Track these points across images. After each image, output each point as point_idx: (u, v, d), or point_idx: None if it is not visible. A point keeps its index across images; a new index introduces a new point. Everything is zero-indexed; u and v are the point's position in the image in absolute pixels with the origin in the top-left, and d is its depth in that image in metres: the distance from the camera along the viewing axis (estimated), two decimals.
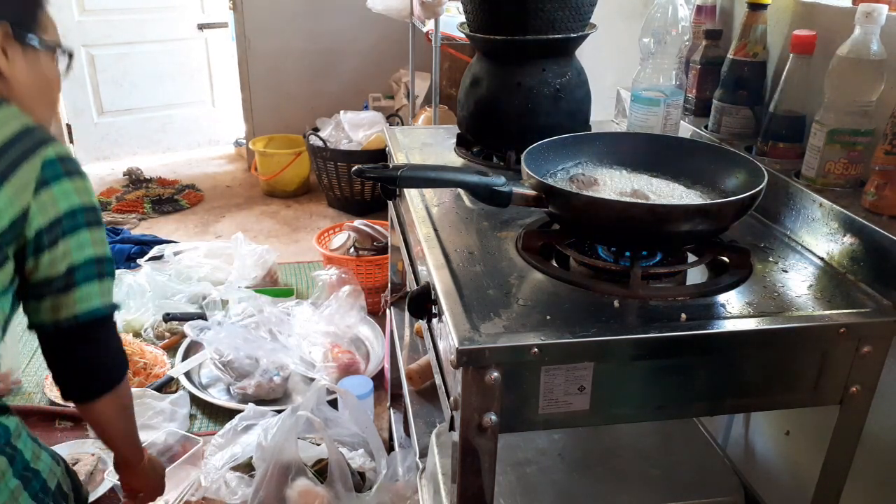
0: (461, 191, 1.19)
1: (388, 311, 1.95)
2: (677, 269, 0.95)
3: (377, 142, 3.45)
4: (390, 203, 1.54)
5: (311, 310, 2.47)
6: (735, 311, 0.85)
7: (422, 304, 0.93)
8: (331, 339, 2.33)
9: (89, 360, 1.09)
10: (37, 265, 1.00)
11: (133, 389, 2.03)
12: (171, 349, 2.44)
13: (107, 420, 1.15)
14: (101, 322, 1.07)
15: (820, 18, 1.13)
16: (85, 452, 1.93)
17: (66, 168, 1.02)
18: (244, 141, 4.29)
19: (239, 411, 2.01)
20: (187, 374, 2.28)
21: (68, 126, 4.17)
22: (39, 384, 2.30)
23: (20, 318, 1.06)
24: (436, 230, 1.06)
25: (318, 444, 1.78)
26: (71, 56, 1.14)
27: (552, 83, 1.29)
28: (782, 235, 1.06)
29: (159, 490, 1.36)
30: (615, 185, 1.04)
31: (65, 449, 1.95)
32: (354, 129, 3.55)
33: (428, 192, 1.20)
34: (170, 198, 3.84)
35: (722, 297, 0.88)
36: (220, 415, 2.14)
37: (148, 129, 4.47)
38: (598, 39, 1.36)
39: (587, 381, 0.81)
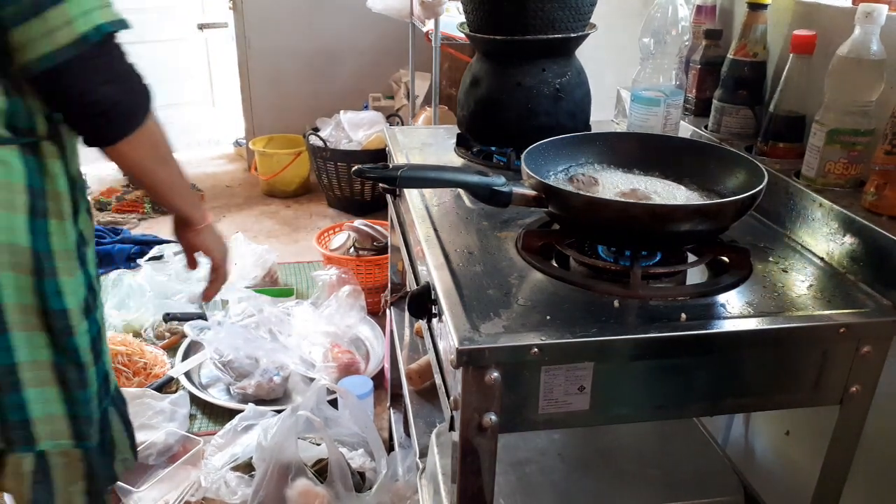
0: (461, 191, 1.19)
1: (388, 311, 1.95)
2: (677, 269, 0.95)
3: (377, 142, 3.45)
4: (390, 203, 1.53)
5: (311, 310, 2.47)
6: (735, 311, 0.85)
7: (422, 304, 0.93)
8: (331, 339, 2.33)
9: (85, 94, 0.91)
10: None
11: (133, 389, 2.04)
12: (171, 349, 2.44)
13: (140, 169, 1.02)
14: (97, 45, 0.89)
15: (820, 18, 1.13)
16: None
17: None
18: (244, 141, 4.28)
19: (239, 411, 2.01)
20: (187, 374, 2.28)
21: None
22: None
23: None
24: (436, 230, 1.06)
25: (318, 444, 1.78)
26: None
27: (552, 83, 1.29)
28: (782, 235, 1.06)
29: (227, 253, 1.24)
30: (615, 185, 1.04)
31: None
32: (354, 129, 3.55)
33: (428, 192, 1.20)
34: None
35: (722, 297, 0.88)
36: (220, 415, 2.14)
37: None
38: (598, 39, 1.36)
39: (587, 381, 0.81)
